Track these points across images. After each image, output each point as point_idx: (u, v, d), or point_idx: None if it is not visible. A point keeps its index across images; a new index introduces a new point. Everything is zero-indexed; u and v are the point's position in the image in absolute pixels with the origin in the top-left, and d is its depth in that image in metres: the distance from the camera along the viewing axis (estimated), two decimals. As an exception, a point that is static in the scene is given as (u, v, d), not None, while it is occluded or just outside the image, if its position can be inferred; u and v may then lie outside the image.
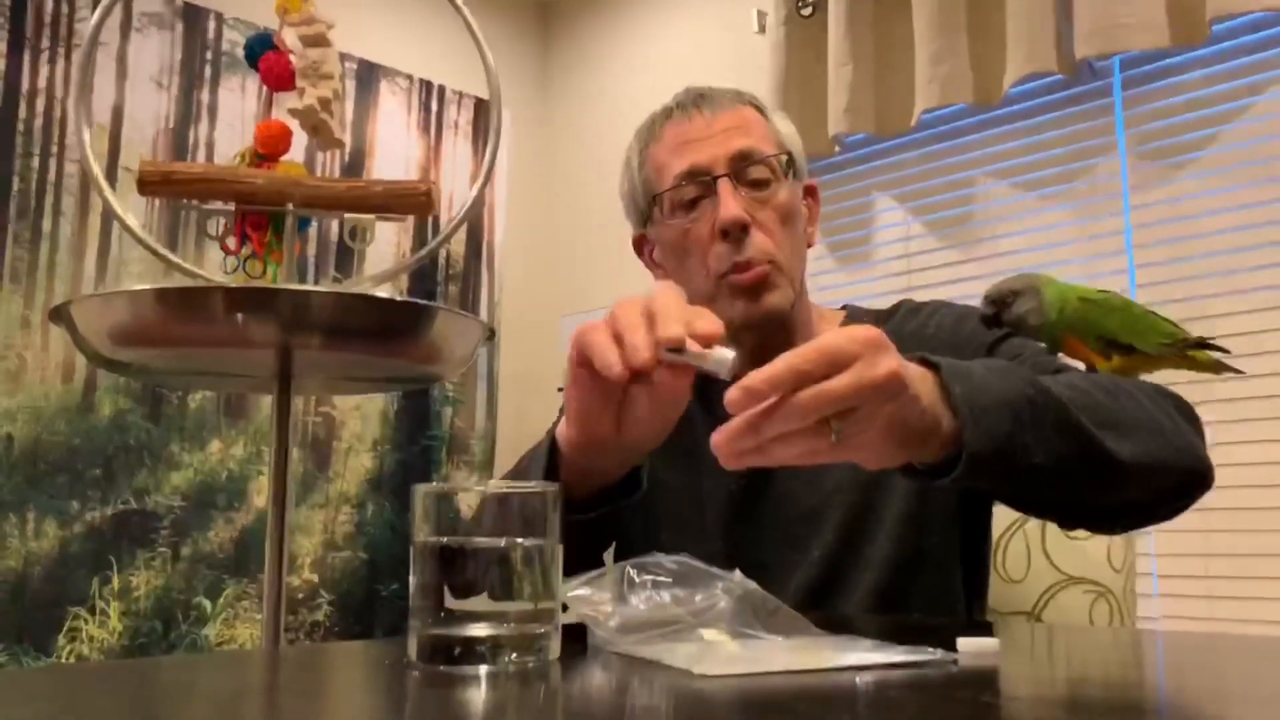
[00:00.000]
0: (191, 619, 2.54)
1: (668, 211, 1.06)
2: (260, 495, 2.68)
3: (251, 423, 2.68)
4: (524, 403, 3.15)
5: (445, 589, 0.52)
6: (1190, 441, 0.82)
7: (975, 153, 2.41)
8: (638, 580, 0.62)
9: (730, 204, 1.01)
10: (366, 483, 2.87)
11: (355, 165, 2.93)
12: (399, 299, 1.18)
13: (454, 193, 3.12)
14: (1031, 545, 1.19)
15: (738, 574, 0.67)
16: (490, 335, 1.26)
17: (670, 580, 0.63)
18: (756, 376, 0.63)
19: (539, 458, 0.83)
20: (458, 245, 3.14)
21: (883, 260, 2.54)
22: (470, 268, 3.16)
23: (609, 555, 0.65)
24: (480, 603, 0.52)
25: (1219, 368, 0.85)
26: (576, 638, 0.60)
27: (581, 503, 0.81)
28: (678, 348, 0.66)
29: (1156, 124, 2.16)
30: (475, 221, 3.18)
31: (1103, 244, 2.21)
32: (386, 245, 2.97)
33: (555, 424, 0.86)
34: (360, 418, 2.87)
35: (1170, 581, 2.01)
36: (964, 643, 0.57)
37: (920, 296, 2.45)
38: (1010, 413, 0.71)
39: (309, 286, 1.13)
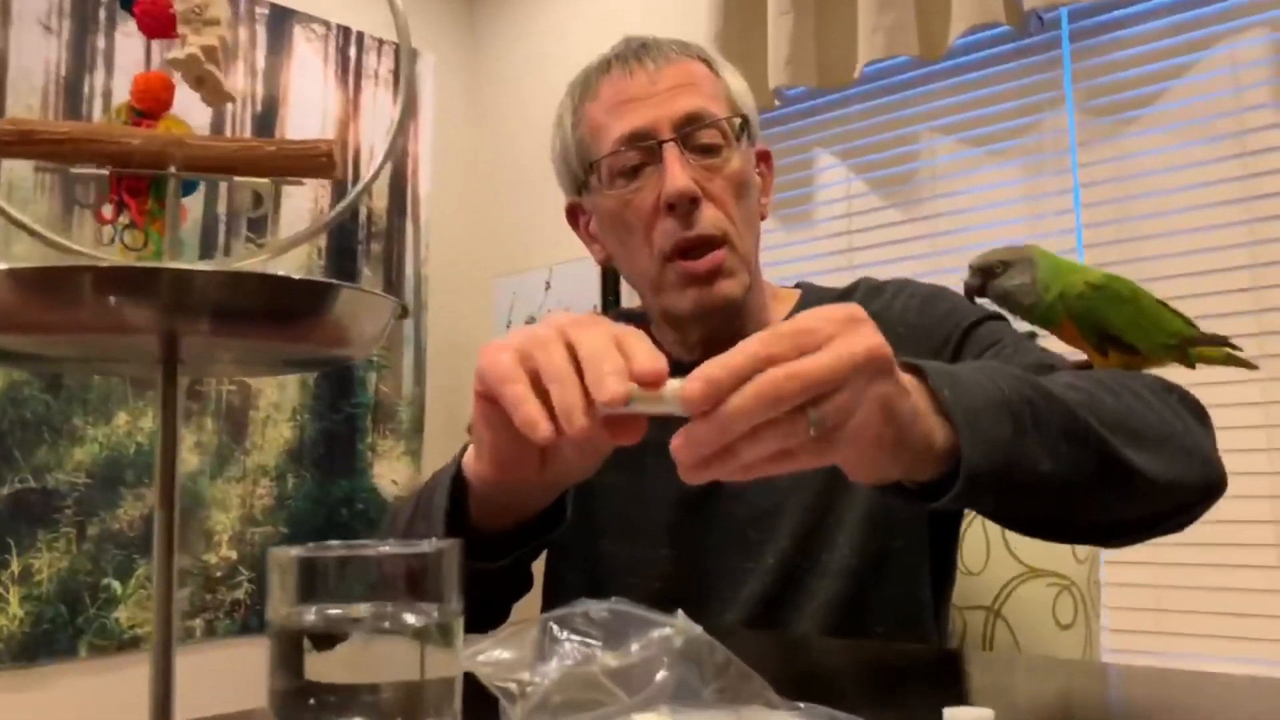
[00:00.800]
0: (100, 602, 2.40)
1: (606, 180, 0.94)
2: (172, 470, 2.53)
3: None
4: (454, 367, 3.03)
5: (312, 680, 0.41)
6: (1202, 443, 0.74)
7: (919, 107, 2.31)
8: (561, 638, 0.52)
9: (677, 174, 0.89)
10: (286, 454, 2.73)
11: (267, 118, 2.75)
12: (297, 278, 1.05)
13: (375, 146, 2.95)
14: (991, 535, 1.12)
15: (680, 616, 0.57)
16: (404, 313, 1.14)
17: (600, 637, 0.53)
18: (715, 365, 0.53)
19: (440, 496, 0.72)
20: (379, 201, 2.98)
21: (823, 220, 2.45)
22: (394, 225, 3.00)
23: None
24: (358, 698, 0.41)
25: (1230, 362, 0.77)
26: (484, 712, 0.49)
27: (494, 541, 0.70)
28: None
29: (1105, 79, 2.08)
30: (399, 175, 3.02)
31: (1050, 203, 2.14)
32: (304, 202, 2.80)
33: (463, 450, 0.74)
34: (278, 386, 2.72)
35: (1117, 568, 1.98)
36: (951, 715, 0.48)
37: (862, 257, 2.39)
38: (1008, 416, 0.61)
39: (193, 265, 0.99)
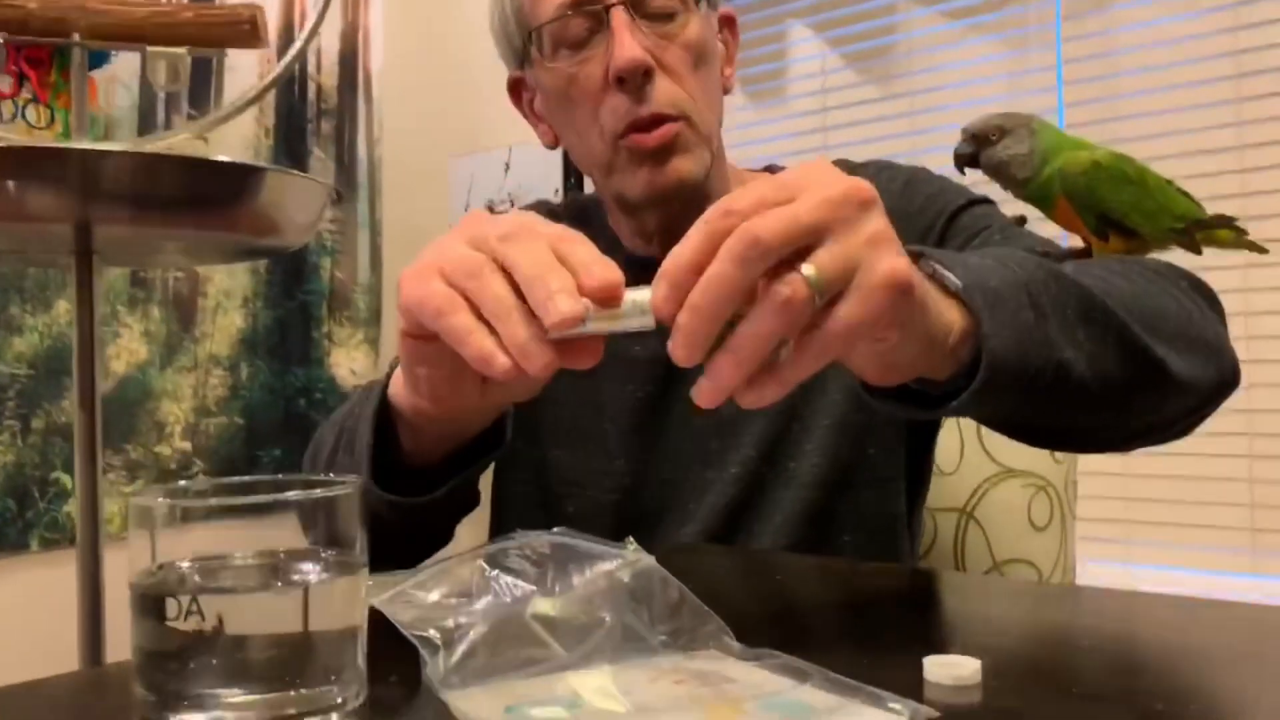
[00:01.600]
0: (50, 496, 2.33)
1: (548, 51, 0.84)
2: (118, 360, 2.44)
3: (104, 278, 2.41)
4: (411, 251, 2.88)
5: (183, 655, 0.35)
6: (1218, 332, 0.68)
7: (899, -24, 2.19)
8: (493, 578, 0.46)
9: (627, 42, 0.79)
10: (240, 343, 2.64)
11: (205, -16, 2.57)
12: (219, 160, 0.96)
13: (326, 22, 2.77)
14: (965, 433, 1.07)
15: (630, 545, 0.51)
16: (337, 198, 1.05)
17: (538, 576, 0.46)
18: (675, 255, 0.45)
19: (364, 429, 0.64)
20: (329, 78, 2.82)
21: (797, 96, 2.33)
22: (345, 102, 2.85)
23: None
24: (235, 672, 0.35)
25: (1240, 244, 0.71)
26: (401, 664, 0.43)
27: (428, 471, 0.63)
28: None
29: (1095, -56, 1.96)
30: (349, 50, 2.85)
31: (1032, 79, 2.04)
32: (248, 75, 2.64)
33: (389, 374, 0.66)
34: (227, 273, 2.61)
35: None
36: (933, 668, 0.42)
37: (838, 136, 2.29)
38: (1026, 296, 0.54)
39: (103, 145, 0.90)
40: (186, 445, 2.54)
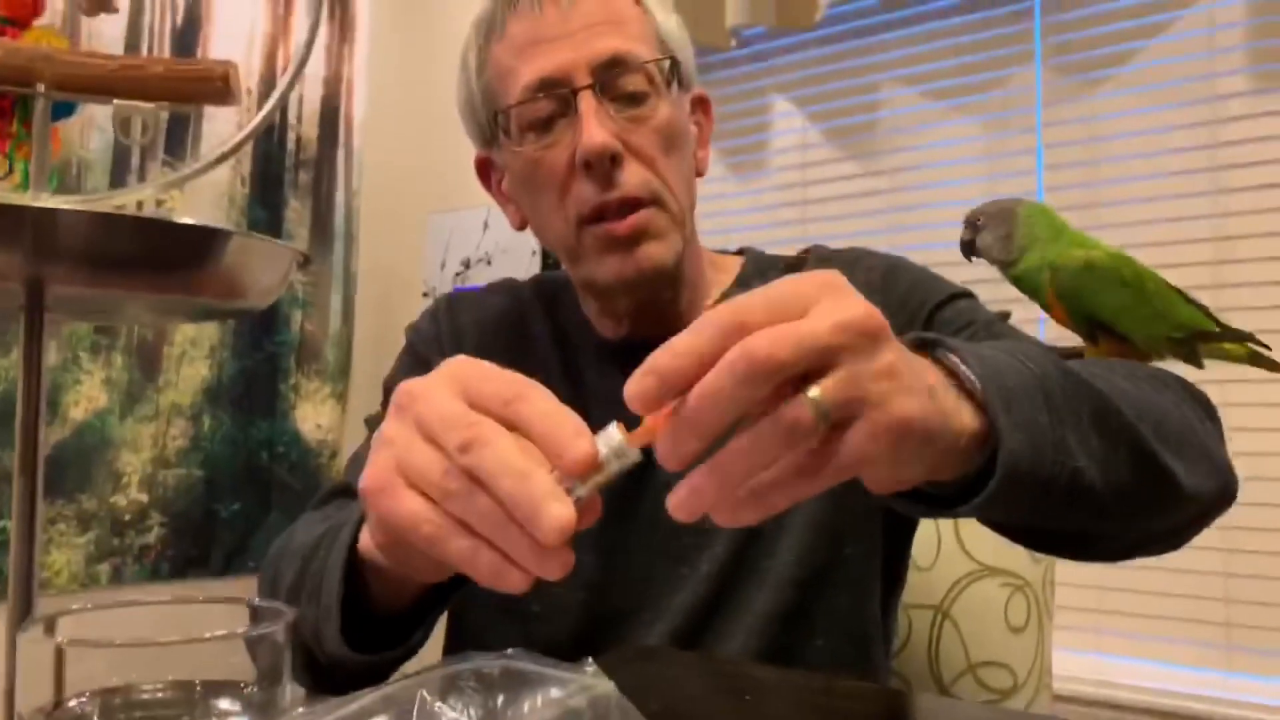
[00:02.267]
0: (-4, 545, 2.25)
1: (515, 133, 0.81)
2: (77, 407, 2.38)
3: (65, 324, 2.35)
4: (384, 305, 2.89)
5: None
6: (1218, 445, 0.66)
7: (882, 55, 2.20)
8: (437, 709, 0.42)
9: (594, 128, 0.77)
10: (203, 393, 2.58)
11: (188, 39, 2.55)
12: (180, 222, 0.92)
13: (308, 71, 2.76)
14: (942, 529, 1.03)
15: (589, 668, 0.47)
16: (305, 262, 1.02)
17: (487, 705, 0.43)
18: (667, 351, 0.42)
19: (330, 582, 0.61)
20: (310, 128, 2.80)
21: (777, 170, 2.33)
22: (324, 152, 2.83)
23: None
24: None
25: (1255, 362, 0.69)
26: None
27: (397, 618, 0.60)
28: None
29: (1076, 34, 1.98)
30: (331, 100, 2.84)
31: (1011, 162, 2.05)
32: (227, 124, 2.62)
33: (358, 525, 0.62)
34: (195, 321, 2.56)
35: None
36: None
37: (817, 210, 2.28)
38: (1041, 398, 0.51)
39: (58, 204, 0.87)
40: (143, 497, 2.47)
